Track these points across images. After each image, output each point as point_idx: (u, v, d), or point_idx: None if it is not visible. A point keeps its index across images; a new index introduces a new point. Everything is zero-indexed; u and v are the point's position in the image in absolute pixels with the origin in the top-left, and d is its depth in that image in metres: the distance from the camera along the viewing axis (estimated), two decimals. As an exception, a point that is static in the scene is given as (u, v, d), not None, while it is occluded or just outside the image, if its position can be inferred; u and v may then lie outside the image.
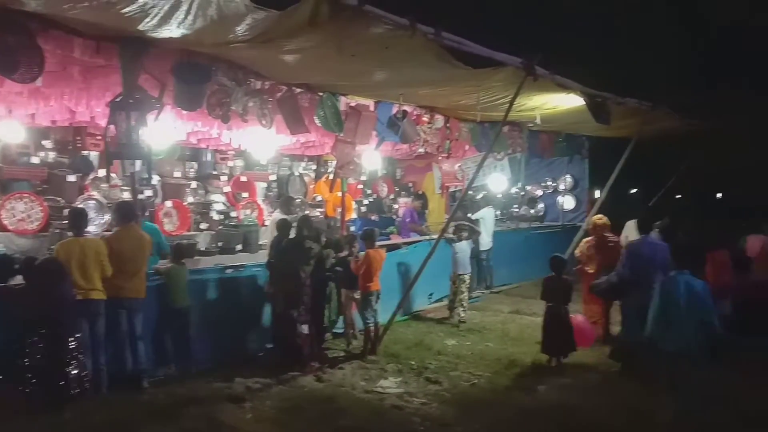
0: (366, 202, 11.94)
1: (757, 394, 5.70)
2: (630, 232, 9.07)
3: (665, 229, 8.12)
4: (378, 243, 7.90)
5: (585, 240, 8.23)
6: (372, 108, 8.38)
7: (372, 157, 9.54)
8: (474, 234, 9.57)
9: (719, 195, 29.86)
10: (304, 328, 6.67)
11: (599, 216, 8.14)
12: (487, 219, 10.69)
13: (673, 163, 12.99)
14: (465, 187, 8.33)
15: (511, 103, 6.78)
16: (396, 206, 12.51)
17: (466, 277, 9.00)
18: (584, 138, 13.20)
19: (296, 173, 11.36)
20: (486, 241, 10.68)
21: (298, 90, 7.51)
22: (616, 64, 15.34)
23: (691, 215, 12.13)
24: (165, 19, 4.82)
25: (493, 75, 6.62)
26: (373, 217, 11.32)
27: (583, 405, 5.73)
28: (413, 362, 6.95)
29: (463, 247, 9.00)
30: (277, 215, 8.55)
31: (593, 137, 13.02)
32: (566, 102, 8.20)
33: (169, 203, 8.54)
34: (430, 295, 9.94)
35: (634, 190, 30.52)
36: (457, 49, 5.80)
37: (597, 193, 12.65)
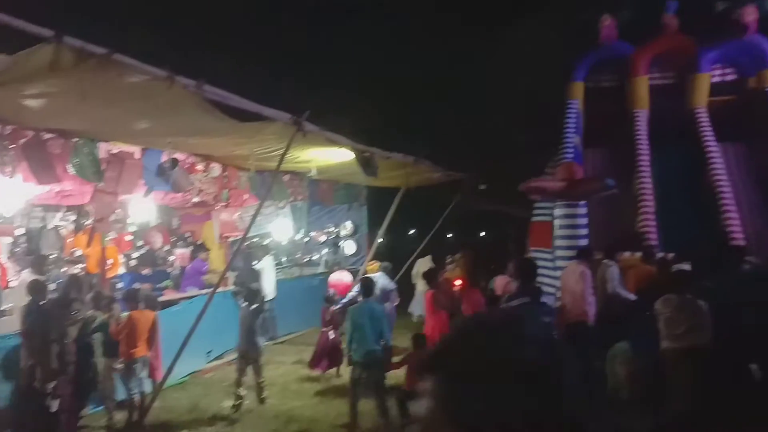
0: (136, 254, 11.03)
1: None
2: (422, 267, 9.78)
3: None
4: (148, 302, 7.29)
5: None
6: (138, 155, 7.83)
7: (143, 206, 8.90)
8: (253, 297, 8.76)
9: (483, 233, 33.57)
10: (55, 404, 5.85)
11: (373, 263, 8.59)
12: (268, 268, 10.57)
13: (444, 207, 14.23)
14: (243, 237, 8.12)
15: (283, 156, 6.84)
16: (171, 258, 11.77)
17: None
18: (362, 186, 13.86)
19: (50, 225, 10.10)
20: (268, 291, 10.52)
21: (48, 135, 6.73)
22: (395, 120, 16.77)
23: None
24: None
25: (263, 129, 6.63)
26: (144, 272, 10.49)
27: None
28: None
29: (242, 314, 7.99)
30: (28, 275, 7.46)
31: (370, 186, 13.74)
32: (339, 155, 8.53)
33: None
34: (209, 352, 9.44)
35: (412, 231, 33.04)
36: (223, 103, 5.71)
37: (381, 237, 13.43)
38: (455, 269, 12.32)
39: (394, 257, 12.76)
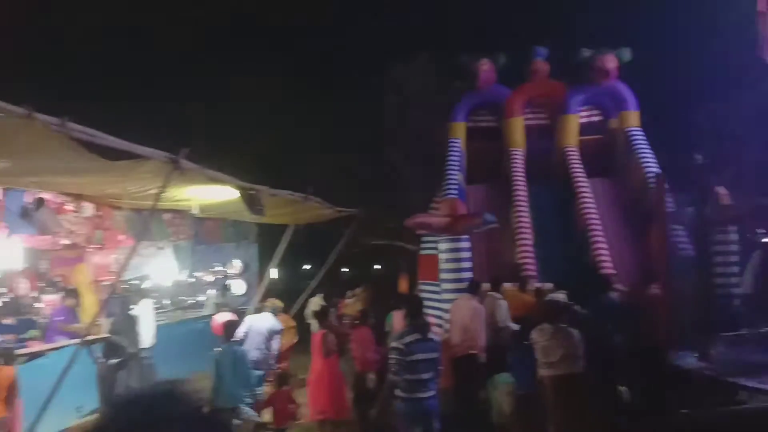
0: (-2, 303, 10.00)
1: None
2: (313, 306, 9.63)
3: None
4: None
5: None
6: (-2, 196, 7.20)
7: (5, 249, 8.14)
8: (113, 351, 8.17)
9: (377, 266, 33.94)
10: None
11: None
12: (146, 314, 9.95)
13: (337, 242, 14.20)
14: (117, 280, 7.63)
15: (158, 195, 6.53)
16: (39, 305, 10.77)
17: None
18: (251, 224, 13.55)
19: None
20: (146, 338, 9.88)
21: None
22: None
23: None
24: None
25: (136, 167, 6.29)
26: (6, 321, 9.50)
27: None
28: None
29: (100, 370, 7.65)
30: None
31: (260, 223, 13.47)
32: (223, 193, 8.29)
33: None
34: (79, 407, 8.66)
35: (307, 267, 32.80)
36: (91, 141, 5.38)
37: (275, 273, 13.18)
38: (356, 303, 12.36)
39: (291, 294, 12.54)
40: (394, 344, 5.39)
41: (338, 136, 18.59)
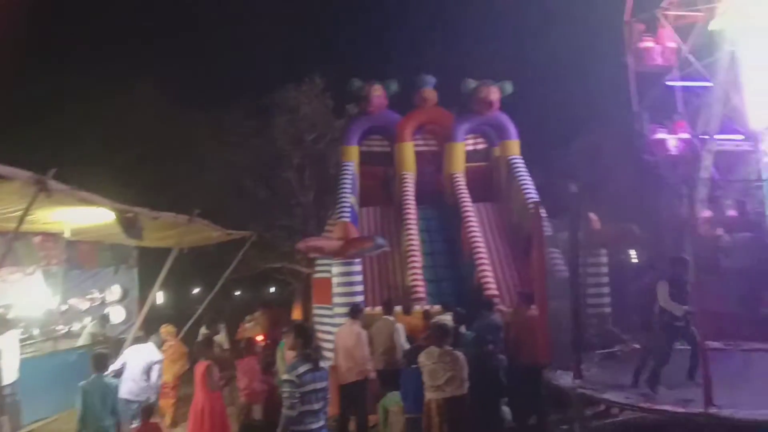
0: None
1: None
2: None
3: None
4: None
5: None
6: None
7: None
8: None
9: (272, 289, 33.34)
10: None
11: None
12: (9, 346, 9.05)
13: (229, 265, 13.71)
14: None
15: (22, 217, 6.00)
16: None
17: None
18: (131, 247, 12.79)
19: None
20: (10, 373, 8.98)
21: None
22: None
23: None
24: None
25: (-5, 188, 5.74)
26: None
27: None
28: None
29: None
30: None
31: (141, 246, 12.75)
32: (98, 216, 7.76)
33: None
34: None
35: (196, 290, 31.62)
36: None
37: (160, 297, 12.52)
38: (255, 327, 12.06)
39: (180, 320, 11.89)
40: (286, 377, 5.20)
41: (231, 156, 18.11)
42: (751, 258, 10.98)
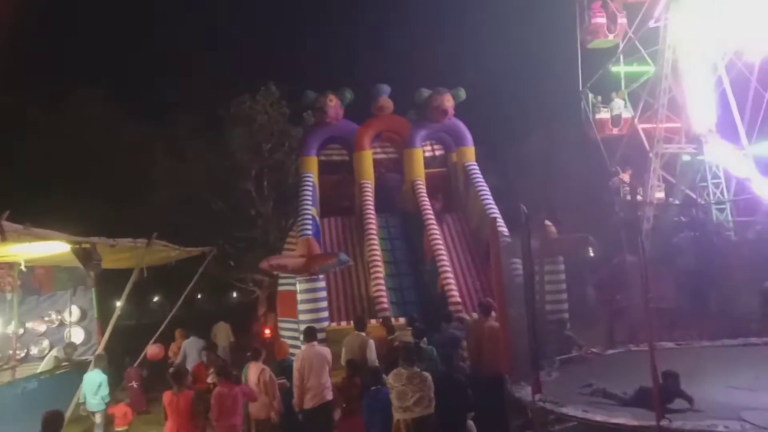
0: None
1: None
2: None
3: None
4: None
5: None
6: None
7: None
8: None
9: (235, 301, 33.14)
10: None
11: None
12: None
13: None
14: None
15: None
16: None
17: None
18: (89, 268, 12.55)
19: None
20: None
21: None
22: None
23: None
24: None
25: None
26: None
27: None
28: None
29: None
30: None
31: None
32: (53, 248, 7.61)
33: None
34: None
35: (156, 299, 31.25)
36: None
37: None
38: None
39: (141, 335, 11.73)
40: None
41: (187, 171, 17.84)
42: (697, 258, 11.44)
